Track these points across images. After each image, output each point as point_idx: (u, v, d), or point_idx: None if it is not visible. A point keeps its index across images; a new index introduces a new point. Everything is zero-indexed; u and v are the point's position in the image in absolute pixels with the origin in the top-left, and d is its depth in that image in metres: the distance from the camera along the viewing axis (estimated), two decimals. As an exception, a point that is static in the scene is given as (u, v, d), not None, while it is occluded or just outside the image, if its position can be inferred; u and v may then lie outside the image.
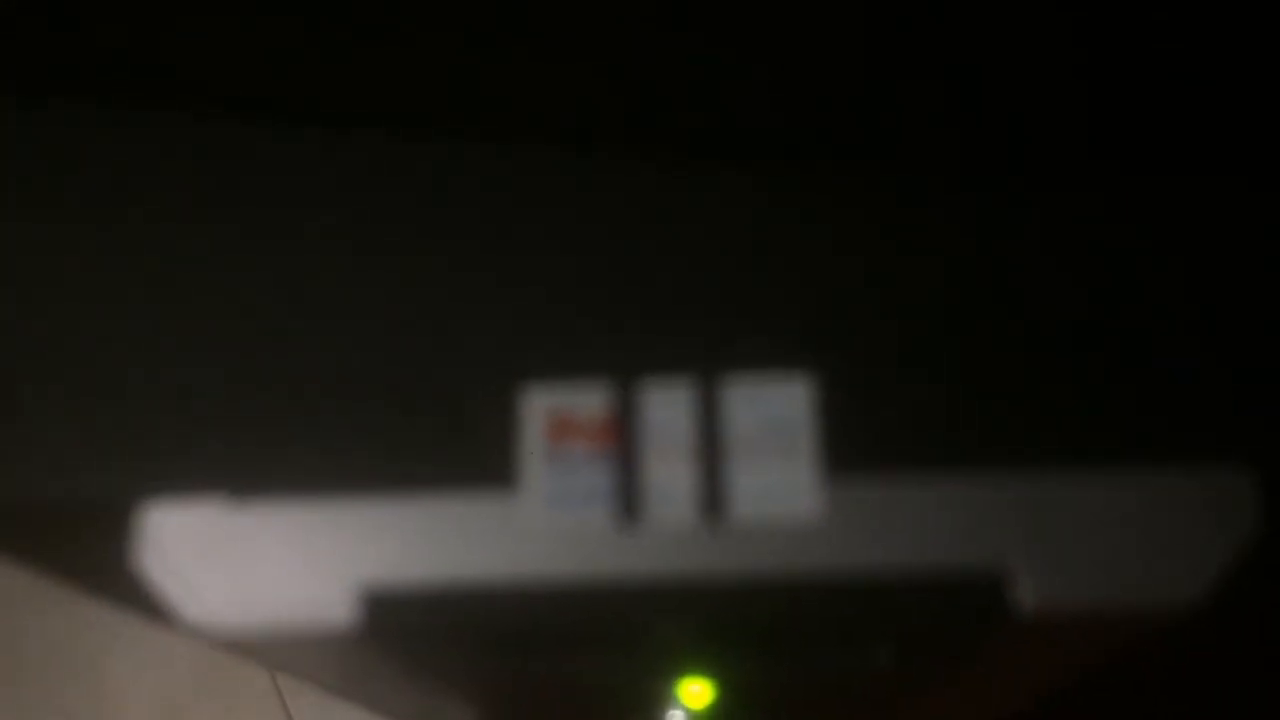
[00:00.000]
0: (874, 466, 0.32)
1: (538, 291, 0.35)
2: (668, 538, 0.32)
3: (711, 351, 0.34)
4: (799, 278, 0.35)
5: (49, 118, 0.37)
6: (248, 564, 0.33)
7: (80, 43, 0.36)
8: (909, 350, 0.34)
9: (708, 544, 0.32)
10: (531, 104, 0.36)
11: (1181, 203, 0.35)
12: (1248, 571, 0.31)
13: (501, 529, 0.32)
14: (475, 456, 0.33)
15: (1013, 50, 0.33)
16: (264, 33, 0.34)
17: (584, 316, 0.35)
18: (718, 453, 0.33)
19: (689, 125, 0.37)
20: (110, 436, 0.35)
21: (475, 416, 0.34)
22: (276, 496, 0.33)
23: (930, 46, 0.33)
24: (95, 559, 0.39)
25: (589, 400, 0.33)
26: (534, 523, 0.32)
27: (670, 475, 0.32)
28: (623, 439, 0.33)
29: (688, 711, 0.46)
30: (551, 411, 0.33)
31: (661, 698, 0.45)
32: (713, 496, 0.32)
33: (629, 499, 0.32)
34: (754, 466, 0.32)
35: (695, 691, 0.44)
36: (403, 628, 0.33)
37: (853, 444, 0.32)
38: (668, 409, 0.33)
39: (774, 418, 0.33)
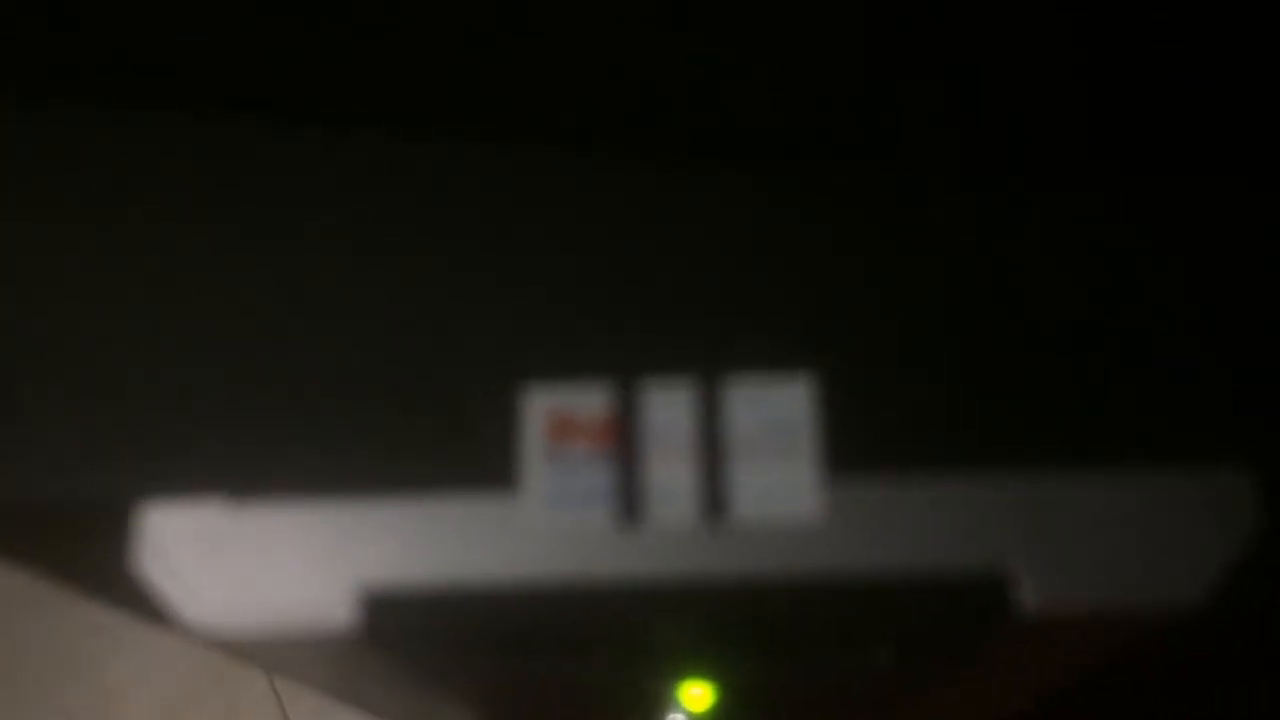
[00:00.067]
0: (874, 467, 0.32)
1: (538, 291, 0.35)
2: (668, 538, 0.32)
3: (712, 351, 0.34)
4: (799, 278, 0.35)
5: (49, 118, 0.37)
6: (247, 565, 0.33)
7: (80, 43, 0.36)
8: (909, 350, 0.34)
9: (708, 544, 0.32)
10: (531, 104, 0.36)
11: (1181, 203, 0.35)
12: (1248, 571, 0.31)
13: (502, 529, 0.32)
14: (475, 457, 0.33)
15: (1013, 50, 0.33)
16: (264, 33, 0.34)
17: (584, 316, 0.35)
18: (718, 453, 0.32)
19: (689, 125, 0.37)
20: (110, 436, 0.35)
21: (475, 416, 0.33)
22: (276, 497, 0.33)
23: (930, 46, 0.33)
24: (95, 559, 0.39)
25: (589, 400, 0.33)
26: (534, 523, 0.32)
27: (671, 475, 0.32)
28: (623, 439, 0.33)
29: (688, 715, 0.46)
30: (552, 411, 0.33)
31: (662, 699, 0.45)
32: (713, 497, 0.32)
33: (629, 499, 0.32)
34: (755, 467, 0.32)
35: (696, 695, 0.44)
36: (403, 628, 0.33)
37: (853, 444, 0.32)
38: (668, 409, 0.33)
39: (774, 418, 0.33)
